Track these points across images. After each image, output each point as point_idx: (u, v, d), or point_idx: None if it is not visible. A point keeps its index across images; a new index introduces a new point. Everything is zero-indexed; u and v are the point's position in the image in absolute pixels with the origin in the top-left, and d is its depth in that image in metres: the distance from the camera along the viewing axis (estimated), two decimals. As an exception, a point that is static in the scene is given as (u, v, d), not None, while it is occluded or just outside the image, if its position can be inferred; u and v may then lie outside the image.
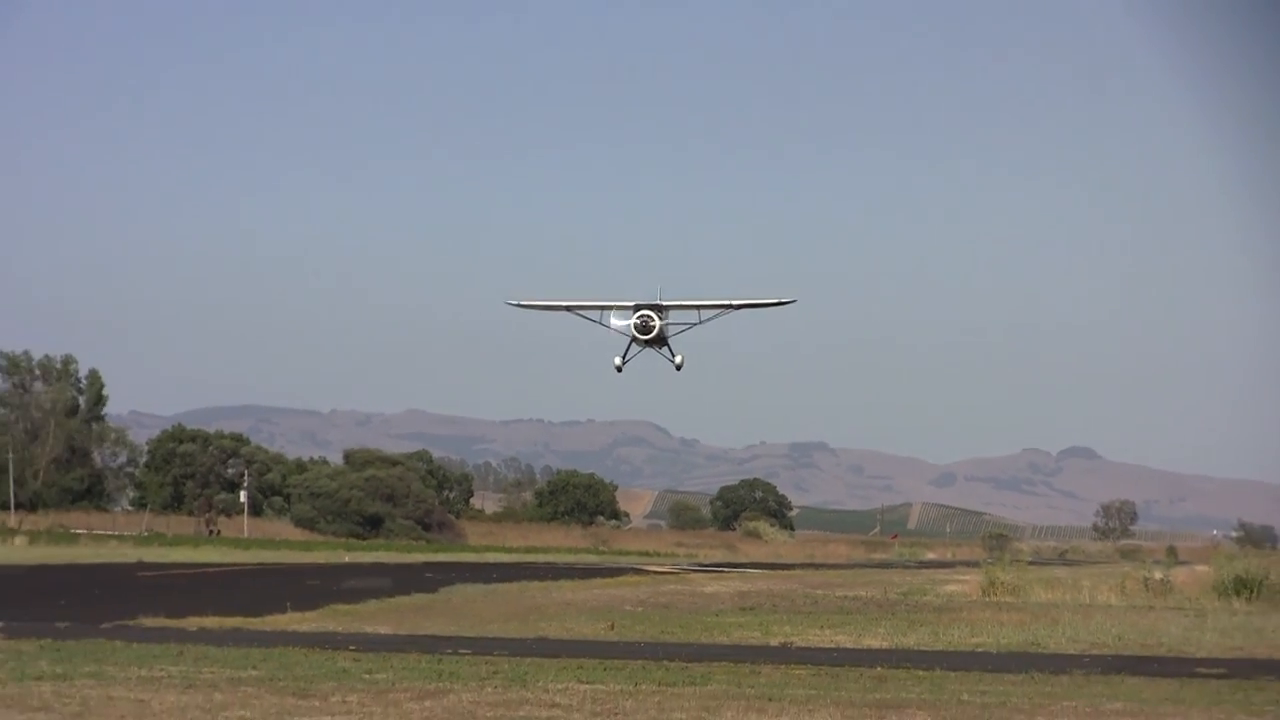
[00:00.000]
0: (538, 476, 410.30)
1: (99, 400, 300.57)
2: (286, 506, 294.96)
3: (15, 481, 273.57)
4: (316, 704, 36.61)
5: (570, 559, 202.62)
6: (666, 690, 40.97)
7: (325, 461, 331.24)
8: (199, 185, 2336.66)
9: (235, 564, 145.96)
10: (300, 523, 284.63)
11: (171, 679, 40.65)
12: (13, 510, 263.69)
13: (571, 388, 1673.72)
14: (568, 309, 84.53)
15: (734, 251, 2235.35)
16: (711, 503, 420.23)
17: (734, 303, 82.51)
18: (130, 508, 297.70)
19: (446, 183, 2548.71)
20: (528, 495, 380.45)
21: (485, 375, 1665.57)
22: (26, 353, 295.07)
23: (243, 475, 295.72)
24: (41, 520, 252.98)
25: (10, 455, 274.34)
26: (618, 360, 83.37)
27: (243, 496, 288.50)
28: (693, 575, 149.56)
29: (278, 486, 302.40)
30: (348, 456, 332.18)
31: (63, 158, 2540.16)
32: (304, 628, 62.74)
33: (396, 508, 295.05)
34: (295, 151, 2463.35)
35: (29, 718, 32.90)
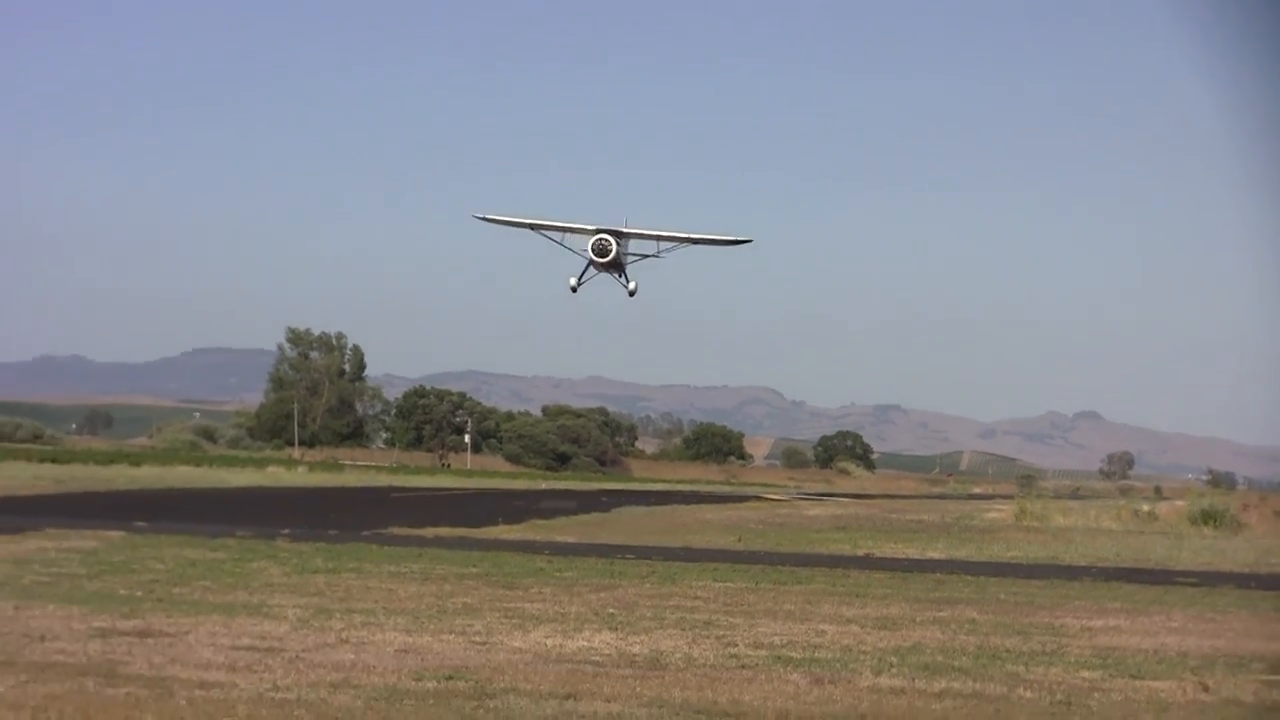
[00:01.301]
0: (685, 427, 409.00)
1: (361, 365, 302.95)
2: (499, 446, 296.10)
3: (299, 425, 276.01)
4: (520, 594, 36.63)
5: (708, 489, 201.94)
6: (780, 588, 40.81)
7: (528, 414, 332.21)
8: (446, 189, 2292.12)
9: (461, 489, 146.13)
10: (509, 458, 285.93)
11: (413, 574, 40.77)
12: (297, 446, 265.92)
13: (711, 359, 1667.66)
14: (530, 227, 70.72)
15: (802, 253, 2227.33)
16: (814, 448, 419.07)
17: (693, 236, 68.79)
18: (383, 446, 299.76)
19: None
20: (678, 440, 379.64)
21: (647, 348, 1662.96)
22: (308, 329, 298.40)
23: (466, 423, 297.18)
24: (317, 455, 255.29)
25: (295, 405, 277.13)
26: (573, 280, 69.95)
27: (467, 439, 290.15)
28: (799, 502, 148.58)
29: (493, 431, 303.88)
30: (544, 410, 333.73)
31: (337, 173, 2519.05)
32: (511, 537, 62.81)
33: (580, 448, 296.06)
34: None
35: (308, 600, 33.01)
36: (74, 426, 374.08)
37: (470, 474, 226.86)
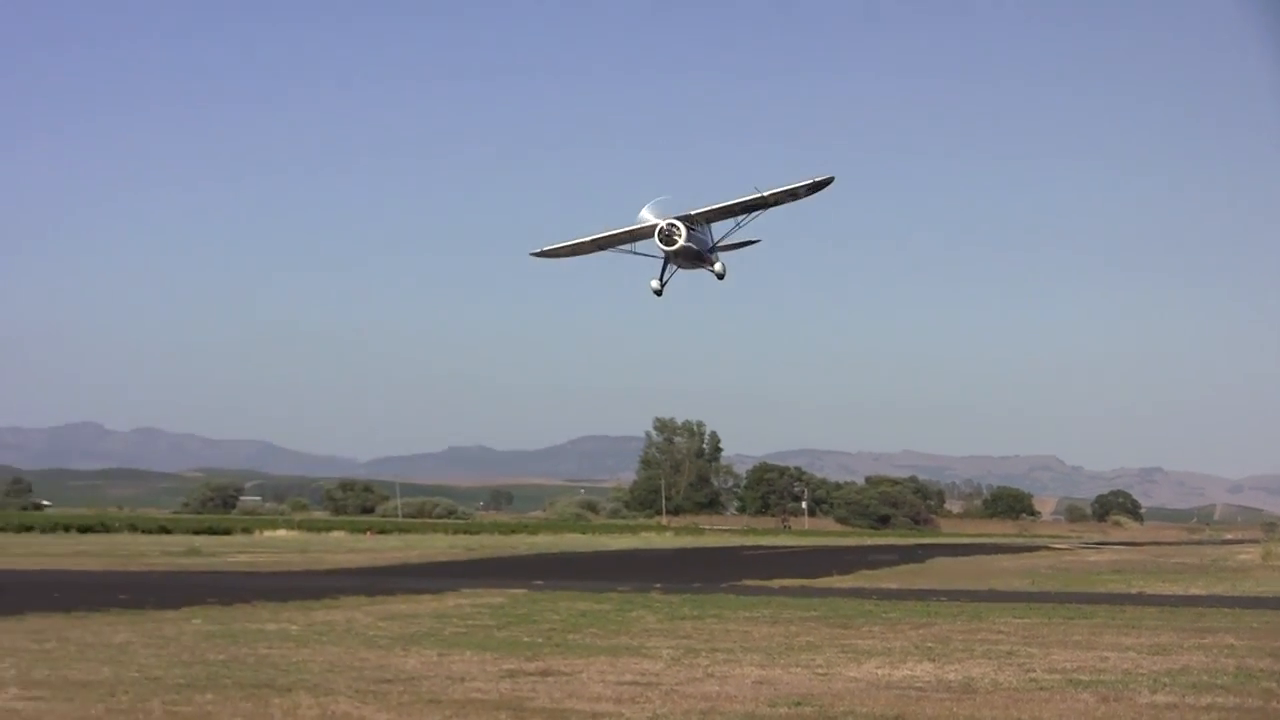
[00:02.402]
0: (984, 491, 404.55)
1: (716, 447, 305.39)
2: (830, 510, 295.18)
3: (666, 497, 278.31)
4: (853, 632, 36.30)
5: (1005, 541, 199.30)
6: (1068, 622, 39.92)
7: (853, 483, 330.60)
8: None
9: (800, 546, 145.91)
10: (839, 520, 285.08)
11: (764, 618, 40.59)
12: (664, 514, 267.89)
13: (1004, 431, 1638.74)
14: (593, 245, 56.86)
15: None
16: (1091, 505, 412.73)
17: (765, 195, 53.12)
18: (735, 512, 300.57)
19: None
20: (978, 502, 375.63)
21: (951, 425, 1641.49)
22: (672, 419, 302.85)
23: (803, 492, 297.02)
24: (681, 521, 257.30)
25: (662, 481, 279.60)
26: (655, 283, 56.35)
27: (804, 505, 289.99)
28: (1081, 551, 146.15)
29: (825, 498, 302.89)
30: (867, 479, 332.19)
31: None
32: (843, 585, 62.28)
33: (898, 510, 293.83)
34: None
35: (678, 642, 33.03)
36: (481, 504, 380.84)
37: (807, 534, 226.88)
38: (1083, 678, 26.49)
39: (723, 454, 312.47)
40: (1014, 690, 24.75)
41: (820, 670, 27.47)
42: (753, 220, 55.56)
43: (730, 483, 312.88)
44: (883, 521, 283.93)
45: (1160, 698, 23.93)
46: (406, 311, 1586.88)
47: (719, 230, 57.46)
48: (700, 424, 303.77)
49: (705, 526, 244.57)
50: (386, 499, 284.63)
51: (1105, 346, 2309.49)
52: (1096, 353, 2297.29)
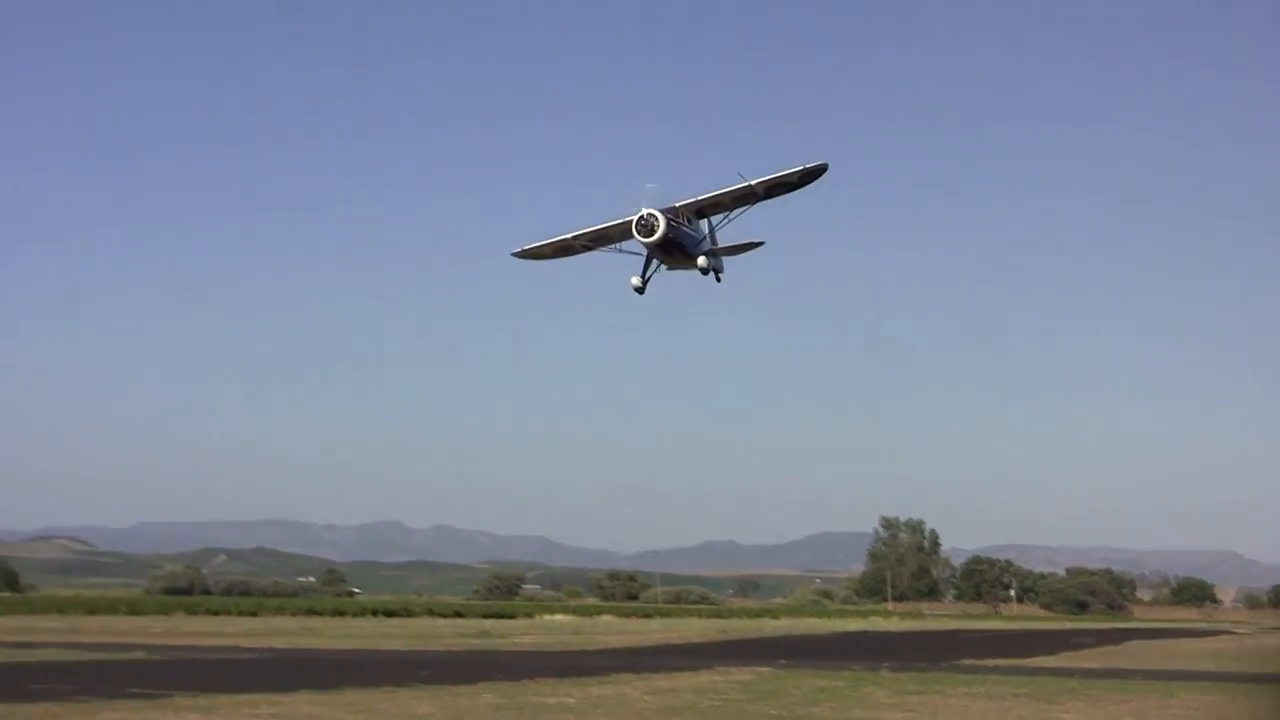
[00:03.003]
0: (1171, 580, 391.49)
1: (935, 542, 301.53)
2: (1035, 598, 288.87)
3: (891, 586, 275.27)
4: (1058, 707, 35.81)
5: (1191, 626, 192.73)
6: (1252, 698, 38.95)
7: (1055, 574, 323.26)
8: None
9: (1009, 630, 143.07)
10: (1044, 607, 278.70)
11: (979, 693, 40.19)
12: (890, 601, 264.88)
13: (1186, 524, 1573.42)
14: (573, 243, 46.77)
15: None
16: (1267, 594, 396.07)
17: (753, 184, 43.20)
18: (952, 599, 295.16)
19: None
20: (1166, 591, 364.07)
21: (1143, 519, 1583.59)
22: (896, 517, 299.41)
23: (1011, 582, 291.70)
24: (904, 607, 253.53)
25: (888, 573, 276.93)
26: (635, 280, 45.81)
27: (1012, 593, 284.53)
28: (1260, 634, 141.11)
29: (1030, 587, 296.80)
30: (1068, 570, 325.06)
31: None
32: (1049, 664, 61.23)
33: (1095, 598, 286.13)
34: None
35: (906, 715, 32.94)
36: (730, 591, 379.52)
37: (1015, 618, 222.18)
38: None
39: (941, 548, 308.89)
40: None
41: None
42: (740, 214, 46.06)
43: (947, 573, 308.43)
44: (1081, 608, 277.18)
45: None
46: (662, 422, 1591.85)
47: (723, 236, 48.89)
48: (920, 522, 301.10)
49: (926, 612, 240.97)
50: (648, 587, 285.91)
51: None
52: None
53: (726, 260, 49.65)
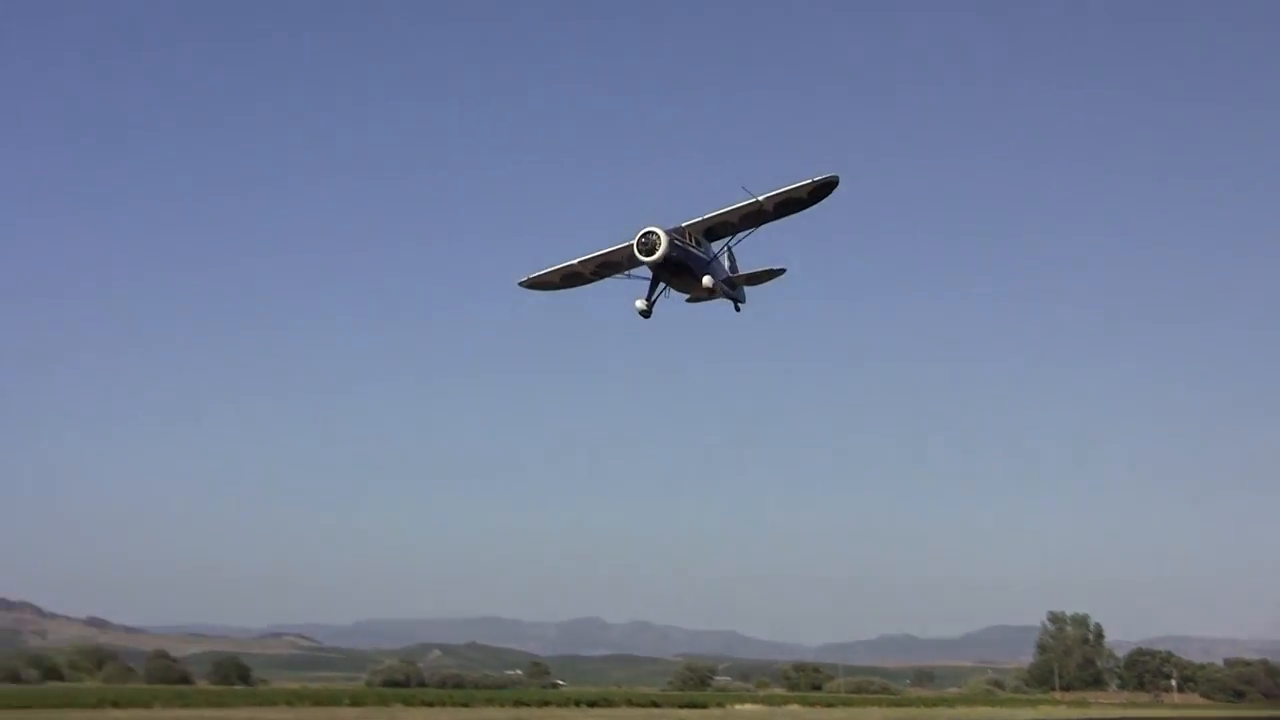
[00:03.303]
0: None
1: (1100, 635, 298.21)
2: (1195, 687, 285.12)
3: (1058, 676, 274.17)
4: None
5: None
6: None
7: (1214, 664, 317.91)
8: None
9: (1171, 718, 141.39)
10: (1203, 695, 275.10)
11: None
12: (1058, 690, 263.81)
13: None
14: (581, 270, 41.85)
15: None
16: None
17: (760, 199, 38.78)
18: (1116, 688, 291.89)
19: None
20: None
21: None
22: (1063, 611, 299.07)
23: (1172, 672, 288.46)
24: (1071, 696, 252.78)
25: (1055, 664, 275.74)
26: (640, 303, 40.77)
27: (1173, 683, 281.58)
28: None
29: (1190, 676, 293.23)
30: (1225, 661, 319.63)
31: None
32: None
33: (1252, 687, 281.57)
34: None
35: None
36: (908, 681, 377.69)
37: (1176, 707, 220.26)
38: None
39: (1106, 640, 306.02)
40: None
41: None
42: (748, 233, 41.34)
43: (1111, 664, 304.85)
44: (1238, 696, 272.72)
45: None
46: (835, 513, 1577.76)
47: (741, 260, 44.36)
48: (1085, 616, 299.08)
49: (1091, 700, 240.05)
50: (831, 678, 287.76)
51: None
52: None
53: (750, 290, 45.62)
